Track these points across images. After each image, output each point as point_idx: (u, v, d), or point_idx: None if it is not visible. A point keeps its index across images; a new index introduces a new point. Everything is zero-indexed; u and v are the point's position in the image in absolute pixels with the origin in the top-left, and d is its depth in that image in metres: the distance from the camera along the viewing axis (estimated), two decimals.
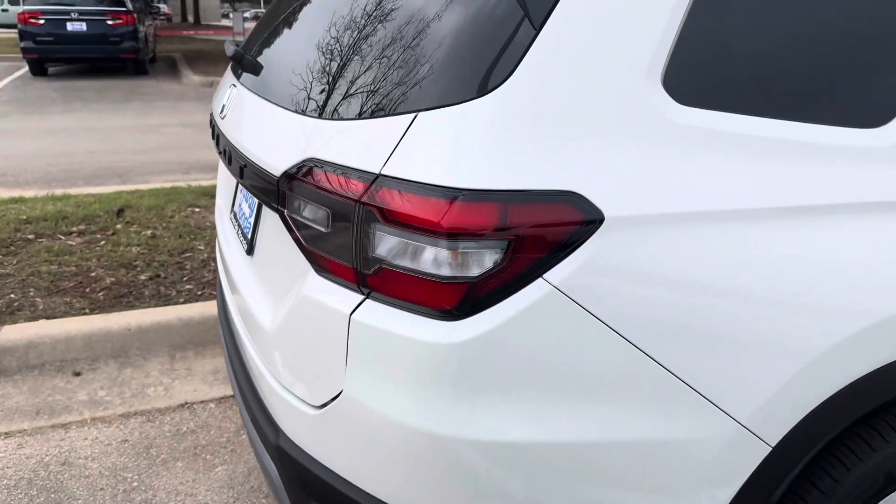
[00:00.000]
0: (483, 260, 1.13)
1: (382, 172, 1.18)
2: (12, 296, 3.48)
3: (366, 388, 1.26)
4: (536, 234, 1.13)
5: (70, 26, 13.41)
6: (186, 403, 2.89)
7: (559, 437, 1.20)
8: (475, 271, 1.13)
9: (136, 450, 2.58)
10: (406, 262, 1.17)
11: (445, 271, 1.14)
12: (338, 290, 1.28)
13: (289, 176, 1.36)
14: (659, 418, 1.22)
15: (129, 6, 14.03)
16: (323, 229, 1.28)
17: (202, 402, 2.90)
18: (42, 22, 13.35)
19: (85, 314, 3.33)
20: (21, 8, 15.00)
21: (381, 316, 1.22)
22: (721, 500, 1.31)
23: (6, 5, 29.32)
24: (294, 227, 1.36)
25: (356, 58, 1.37)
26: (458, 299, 1.15)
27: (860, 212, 1.28)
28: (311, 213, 1.31)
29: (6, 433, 2.67)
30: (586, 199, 1.13)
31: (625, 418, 1.21)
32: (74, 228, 4.39)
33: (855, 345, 1.26)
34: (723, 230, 1.19)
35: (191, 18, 45.97)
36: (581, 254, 1.14)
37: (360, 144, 1.24)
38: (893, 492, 1.46)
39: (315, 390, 1.36)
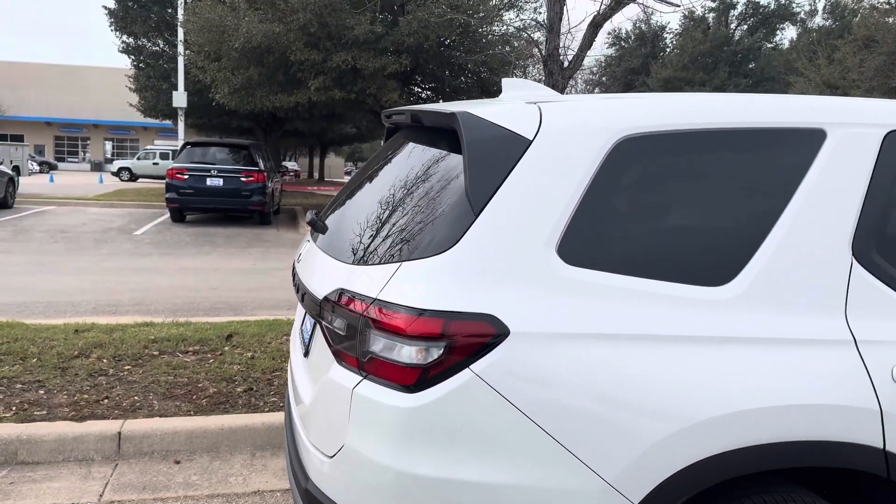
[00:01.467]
0: (431, 354, 1.80)
1: (377, 297, 1.90)
2: (136, 398, 4.32)
3: (359, 440, 1.91)
4: (466, 339, 1.79)
5: (209, 181, 15.37)
6: (259, 491, 3.54)
7: (478, 478, 1.80)
8: (426, 360, 1.80)
9: None
10: (386, 354, 1.85)
11: (408, 360, 1.81)
12: (347, 374, 1.97)
13: (326, 299, 2.10)
14: (546, 471, 1.79)
15: (261, 165, 15.97)
16: (342, 333, 1.99)
17: (271, 490, 3.55)
18: (186, 177, 15.39)
19: (189, 416, 4.10)
20: (170, 164, 17.27)
21: (371, 390, 1.89)
22: None
23: (157, 159, 33.27)
24: (326, 332, 2.09)
25: (372, 228, 2.13)
26: (415, 378, 1.81)
27: (704, 344, 1.87)
28: (337, 323, 2.02)
29: (119, 501, 3.39)
30: (499, 318, 1.80)
31: (523, 469, 1.79)
32: (190, 348, 5.29)
33: (689, 436, 1.80)
34: (590, 347, 1.81)
35: (316, 175, 50.24)
36: (495, 354, 1.79)
37: (369, 280, 1.97)
38: None
39: (329, 444, 2.02)
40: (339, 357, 2.01)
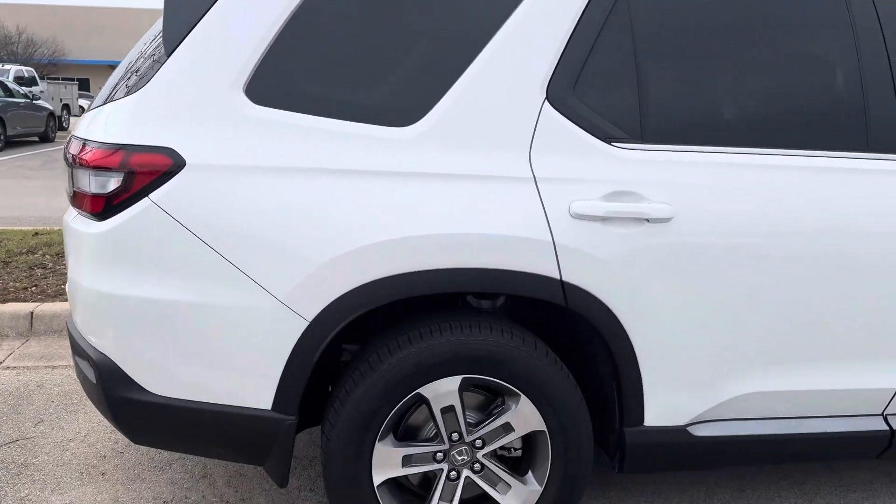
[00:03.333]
0: (113, 184, 1.97)
1: (82, 136, 2.08)
2: (62, 286, 4.67)
3: (73, 267, 2.12)
4: (144, 170, 1.96)
5: None
6: None
7: (162, 296, 1.97)
8: (110, 189, 1.98)
9: None
10: (83, 187, 2.04)
11: (96, 190, 1.99)
12: (70, 210, 2.17)
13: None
14: (222, 290, 1.96)
15: None
16: (70, 175, 2.18)
17: None
18: None
19: None
20: None
21: (78, 222, 2.09)
22: (277, 367, 1.98)
23: None
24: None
25: (114, 80, 2.29)
26: (101, 207, 1.99)
27: (381, 178, 1.98)
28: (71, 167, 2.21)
29: (15, 367, 3.75)
30: (177, 151, 1.95)
31: (202, 288, 1.95)
32: None
33: (360, 259, 1.93)
34: (266, 179, 1.94)
35: None
36: (172, 184, 1.94)
37: (86, 123, 2.15)
38: (432, 381, 2.06)
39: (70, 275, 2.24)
40: (70, 197, 2.21)
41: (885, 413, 2.33)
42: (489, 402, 2.19)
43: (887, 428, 2.32)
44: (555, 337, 2.41)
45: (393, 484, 2.21)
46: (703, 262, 2.08)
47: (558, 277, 2.02)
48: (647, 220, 2.04)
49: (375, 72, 2.03)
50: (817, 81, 2.21)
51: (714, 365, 2.17)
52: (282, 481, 2.08)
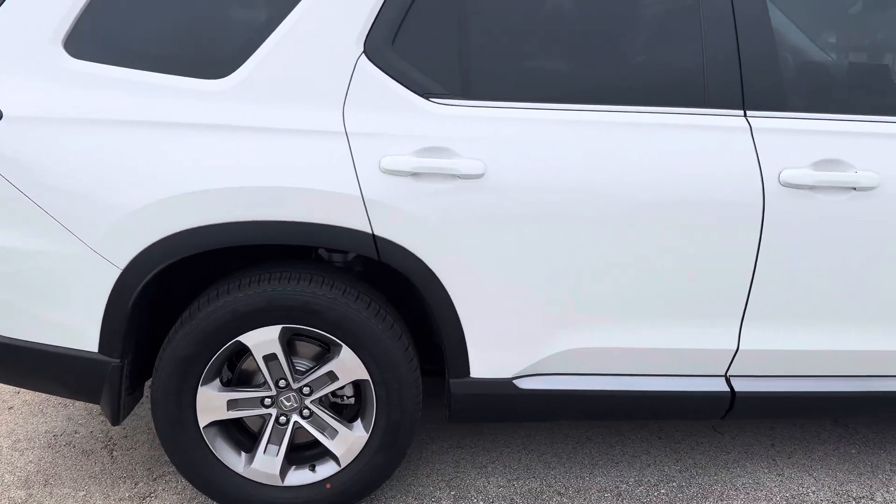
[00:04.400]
0: None
1: None
2: None
3: None
4: None
5: None
6: None
7: None
8: None
9: None
10: None
11: None
12: None
13: None
14: (40, 236, 2.05)
15: None
16: None
17: None
18: None
19: None
20: None
21: None
22: (97, 312, 2.08)
23: None
24: None
25: None
26: None
27: (191, 130, 2.03)
28: None
29: None
30: None
31: (21, 234, 2.05)
32: None
33: (169, 209, 2.00)
34: (80, 130, 2.01)
35: None
36: None
37: None
38: (250, 329, 2.13)
39: None
40: None
41: (727, 374, 2.31)
42: (326, 351, 2.25)
43: (728, 389, 2.30)
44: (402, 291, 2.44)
45: (228, 426, 2.30)
46: (517, 218, 2.08)
47: (370, 232, 2.05)
48: (459, 176, 2.04)
49: (191, 24, 2.07)
50: (646, 36, 2.15)
51: (537, 320, 2.18)
52: (114, 419, 2.20)
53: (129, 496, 2.43)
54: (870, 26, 2.33)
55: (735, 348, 2.24)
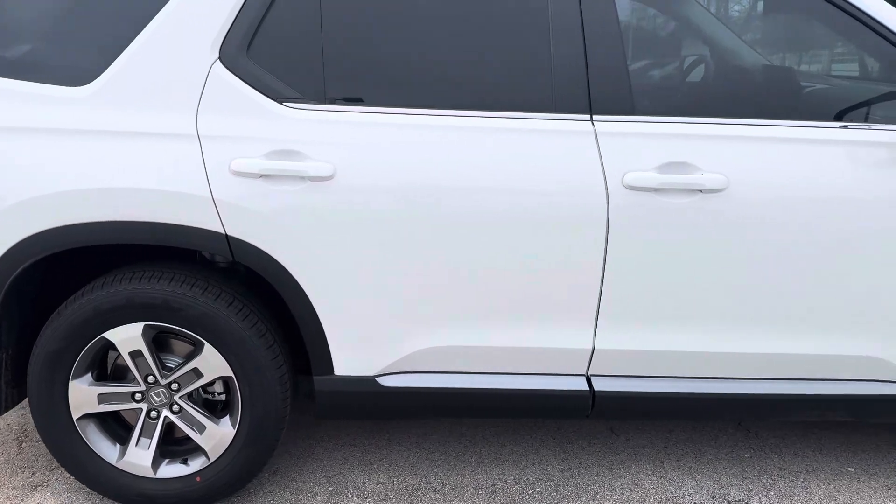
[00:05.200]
0: None
1: None
2: None
3: None
4: None
5: None
6: None
7: None
8: None
9: None
10: None
11: None
12: None
13: None
14: None
15: None
16: None
17: None
18: None
19: None
20: None
21: None
22: None
23: None
24: None
25: None
26: None
27: (51, 134, 2.13)
28: None
29: None
30: None
31: None
32: None
33: (25, 212, 2.10)
34: None
35: None
36: None
37: None
38: (114, 326, 2.22)
39: None
40: None
41: (588, 373, 2.33)
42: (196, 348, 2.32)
43: (588, 388, 2.33)
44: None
45: (106, 418, 2.39)
46: (366, 219, 2.14)
47: (223, 232, 2.13)
48: (308, 178, 2.11)
49: (57, 33, 2.17)
50: (496, 42, 2.20)
51: (395, 318, 2.23)
52: None
53: (22, 485, 2.53)
54: (720, 30, 2.35)
55: (591, 348, 2.27)
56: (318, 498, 2.48)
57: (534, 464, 2.68)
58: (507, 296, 2.22)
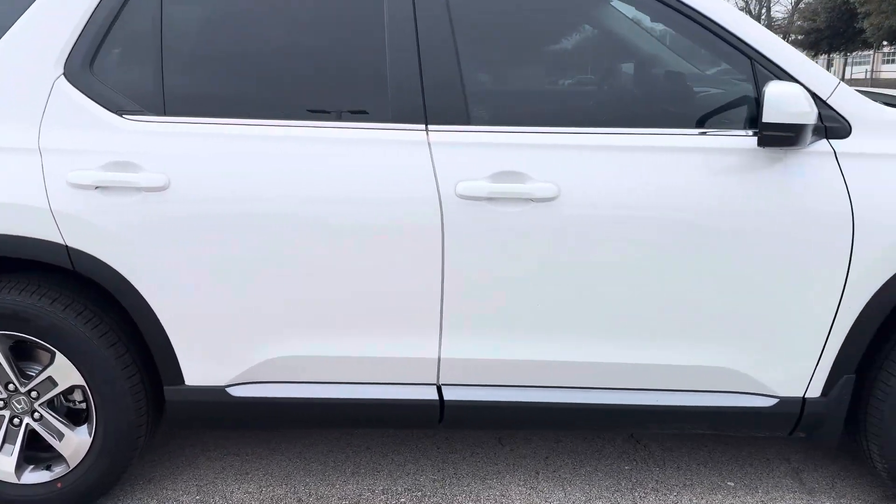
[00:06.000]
0: None
1: None
2: None
3: None
4: None
5: None
6: None
7: None
8: None
9: None
10: None
11: None
12: None
13: None
14: None
15: None
16: None
17: None
18: None
19: None
20: None
21: None
22: None
23: None
24: None
25: None
26: None
27: None
28: None
29: None
30: None
31: None
32: None
33: None
34: None
35: None
36: None
37: None
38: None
39: None
40: None
41: (439, 383, 2.32)
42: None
43: (437, 398, 2.32)
44: None
45: None
46: (202, 229, 2.17)
47: (63, 243, 2.17)
48: (143, 189, 2.15)
49: None
50: (333, 53, 2.22)
51: (242, 329, 2.25)
52: None
53: None
54: (556, 42, 2.33)
55: (437, 357, 2.26)
56: None
57: (409, 474, 2.67)
58: (350, 305, 2.23)
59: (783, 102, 1.93)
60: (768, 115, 1.95)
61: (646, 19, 2.27)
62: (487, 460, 2.76)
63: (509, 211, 2.13)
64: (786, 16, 49.92)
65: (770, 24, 48.90)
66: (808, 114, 1.95)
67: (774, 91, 1.94)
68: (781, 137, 1.97)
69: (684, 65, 2.37)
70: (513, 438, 2.90)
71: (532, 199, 2.11)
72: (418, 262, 2.17)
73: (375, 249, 2.17)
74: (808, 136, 2.00)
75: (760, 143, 2.01)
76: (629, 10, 2.25)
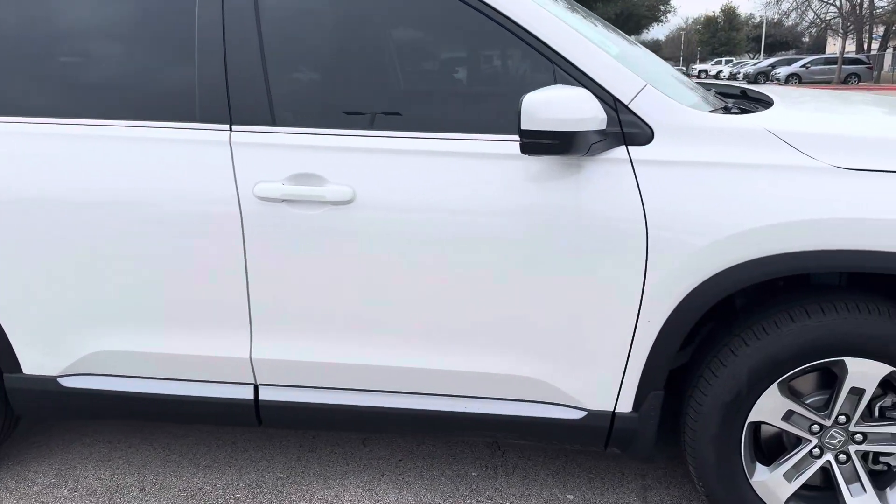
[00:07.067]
0: None
1: None
2: None
3: None
4: None
5: None
6: None
7: None
8: None
9: None
10: None
11: None
12: None
13: None
14: None
15: None
16: None
17: None
18: None
19: None
20: None
21: None
22: None
23: None
24: None
25: None
26: None
27: None
28: None
29: None
30: None
31: None
32: None
33: None
34: None
35: None
36: None
37: None
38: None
39: None
40: None
41: (256, 383, 2.36)
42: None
43: (252, 398, 2.35)
44: None
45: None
46: (23, 225, 2.26)
47: None
48: None
49: None
50: (145, 51, 2.27)
51: (67, 321, 2.34)
52: None
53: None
54: (362, 45, 2.31)
55: (249, 357, 2.30)
56: (34, 488, 2.62)
57: (258, 470, 2.72)
58: (161, 303, 2.28)
59: (540, 109, 1.87)
60: (525, 122, 1.89)
61: (454, 22, 2.22)
62: (341, 461, 2.78)
63: (306, 213, 2.14)
64: (891, 3, 46.99)
65: (872, 14, 46.27)
66: (579, 121, 1.89)
67: (532, 98, 1.89)
68: (545, 145, 1.91)
69: (488, 67, 2.32)
70: (377, 440, 2.91)
71: (328, 202, 2.12)
72: (222, 263, 2.21)
73: (182, 250, 2.22)
74: (586, 143, 1.93)
75: (523, 150, 1.95)
76: (436, 12, 2.20)
